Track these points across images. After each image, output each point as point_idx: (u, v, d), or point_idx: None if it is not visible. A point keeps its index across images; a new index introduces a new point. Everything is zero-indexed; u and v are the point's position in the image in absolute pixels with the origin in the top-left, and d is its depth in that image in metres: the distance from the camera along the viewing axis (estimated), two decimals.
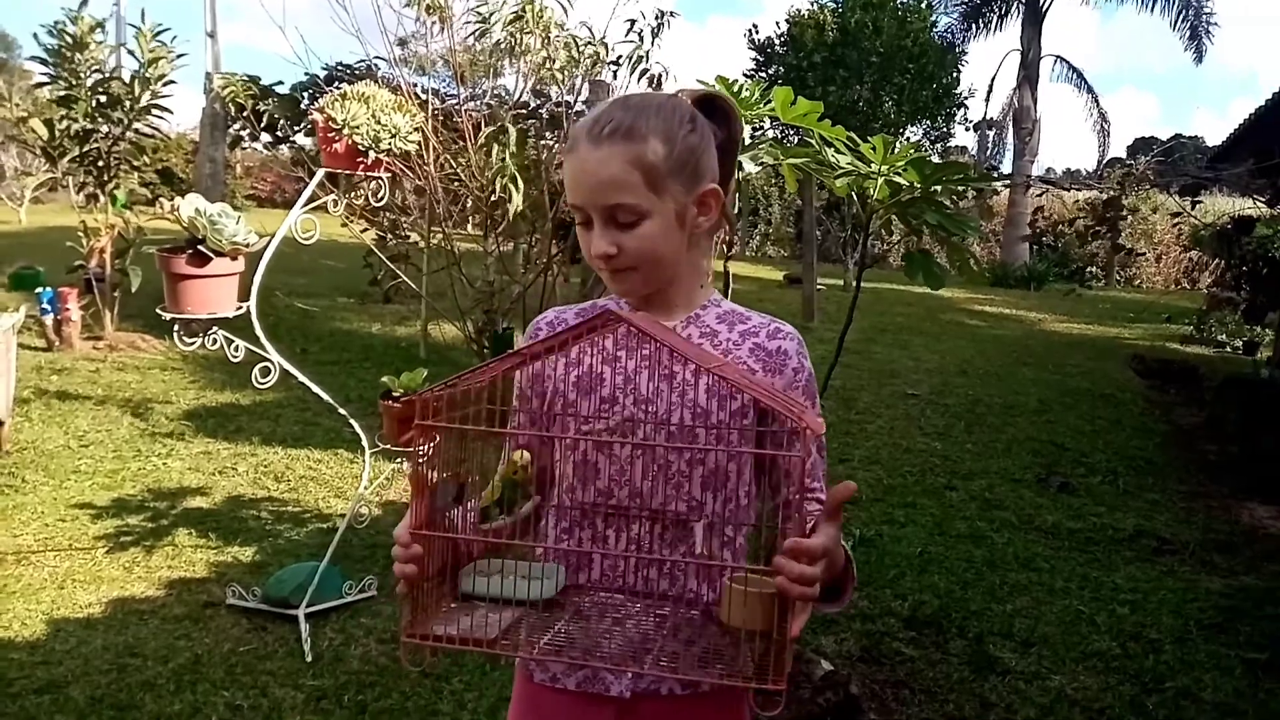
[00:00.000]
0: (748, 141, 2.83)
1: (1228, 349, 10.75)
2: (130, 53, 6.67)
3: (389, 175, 2.95)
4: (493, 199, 4.98)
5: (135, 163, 7.34)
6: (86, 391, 5.85)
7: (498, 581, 1.08)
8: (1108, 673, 3.14)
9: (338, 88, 2.96)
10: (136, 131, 6.94)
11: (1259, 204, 8.65)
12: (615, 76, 5.67)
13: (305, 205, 2.84)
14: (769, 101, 2.64)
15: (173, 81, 6.80)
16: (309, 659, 2.88)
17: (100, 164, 6.82)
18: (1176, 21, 19.73)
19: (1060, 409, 7.21)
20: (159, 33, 6.61)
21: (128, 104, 6.62)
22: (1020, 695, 2.96)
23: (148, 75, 6.64)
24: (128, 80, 6.66)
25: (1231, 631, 3.51)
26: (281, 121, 7.71)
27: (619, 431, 1.18)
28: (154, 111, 6.80)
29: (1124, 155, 27.13)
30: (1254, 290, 9.38)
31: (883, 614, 3.46)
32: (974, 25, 20.95)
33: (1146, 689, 3.05)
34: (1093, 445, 6.25)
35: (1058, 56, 21.76)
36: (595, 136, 1.14)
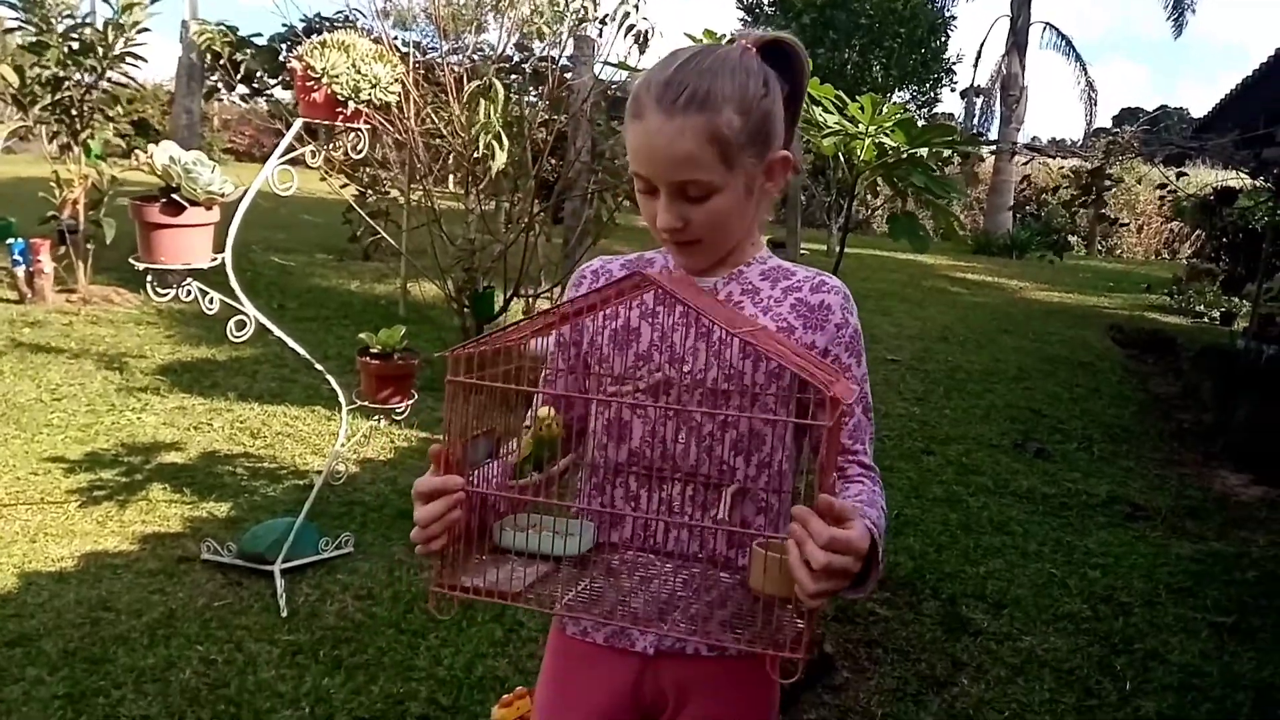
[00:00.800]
0: None
1: (1205, 319, 10.85)
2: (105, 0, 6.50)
3: (369, 128, 2.89)
4: (475, 156, 4.92)
5: (110, 112, 7.18)
6: (59, 345, 5.77)
7: (531, 536, 1.09)
8: (1078, 634, 3.19)
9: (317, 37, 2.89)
10: (110, 80, 6.79)
11: (1242, 175, 8.68)
12: (601, 33, 5.58)
13: (283, 156, 2.78)
14: None
15: (147, 29, 6.63)
16: (284, 614, 2.87)
17: (73, 113, 6.67)
18: None
19: (1039, 376, 7.26)
20: None
21: (101, 51, 6.46)
22: (991, 655, 3.00)
23: (121, 22, 6.47)
24: (101, 27, 6.49)
25: (1200, 595, 3.57)
26: (259, 73, 7.54)
27: (651, 391, 1.16)
28: (128, 60, 6.64)
29: (1110, 125, 27.14)
30: (1233, 261, 9.45)
31: None
32: None
33: (1115, 650, 3.09)
34: (1070, 412, 6.30)
35: (1047, 24, 21.65)
36: (668, 106, 1.06)
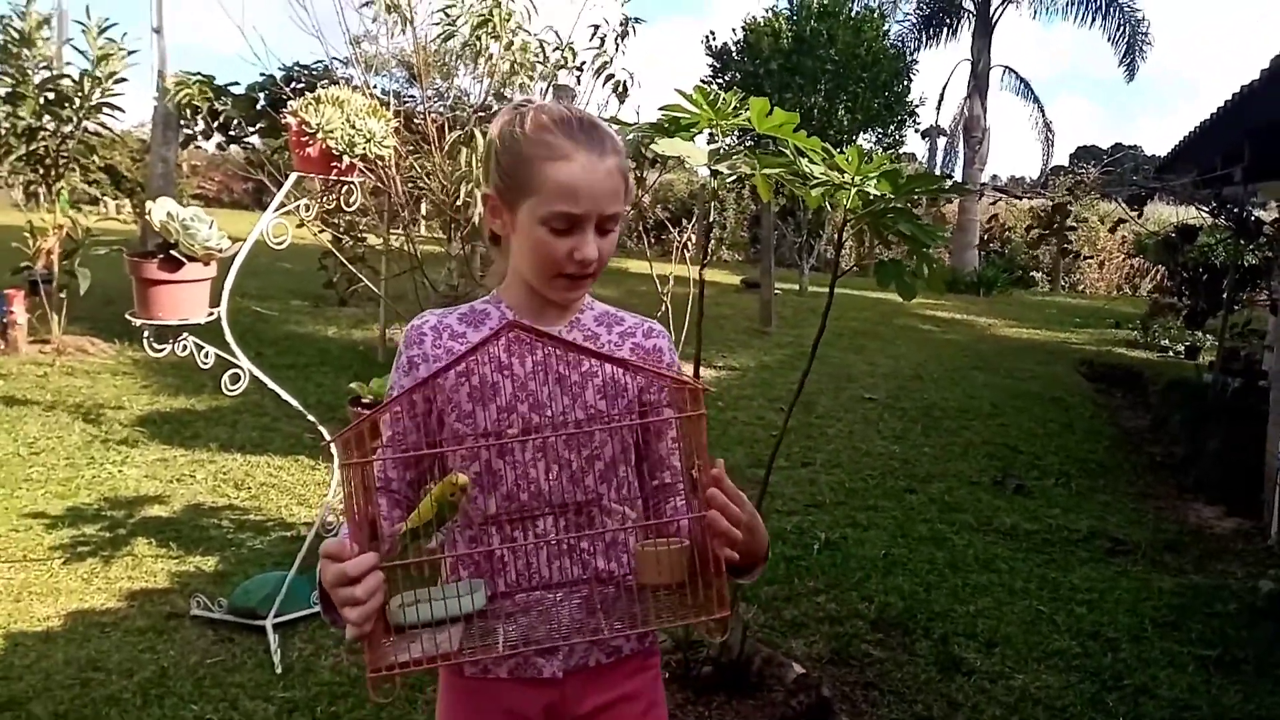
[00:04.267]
0: (720, 149, 2.86)
1: (1170, 353, 11.07)
2: (78, 50, 6.51)
3: (362, 181, 2.93)
4: (456, 203, 4.96)
5: (83, 161, 7.16)
6: (35, 397, 5.70)
7: (426, 608, 1.09)
8: (1069, 671, 3.22)
9: (298, 89, 2.93)
10: (85, 130, 6.78)
11: (1202, 213, 8.93)
12: (579, 81, 5.67)
13: (277, 210, 2.81)
14: (742, 111, 2.67)
15: (124, 79, 6.65)
16: (279, 670, 2.84)
17: (47, 162, 6.64)
18: (1115, 35, 20.29)
19: (1013, 412, 7.37)
20: (106, 28, 6.45)
21: (77, 101, 6.46)
22: (986, 695, 3.02)
23: (97, 73, 6.48)
24: (76, 77, 6.49)
25: (1184, 629, 3.62)
26: (236, 122, 7.57)
27: (521, 438, 1.24)
28: (105, 110, 6.64)
29: (1066, 163, 27.79)
30: (1195, 296, 9.67)
31: (850, 616, 3.51)
32: (925, 34, 21.33)
33: (1106, 687, 3.13)
34: (1045, 448, 6.40)
35: (1006, 67, 22.23)
36: (597, 146, 1.19)
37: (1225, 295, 7.84)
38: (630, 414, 1.27)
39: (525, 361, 1.22)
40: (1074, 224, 18.56)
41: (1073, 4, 20.13)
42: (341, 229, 7.99)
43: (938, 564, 4.11)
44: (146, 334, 2.50)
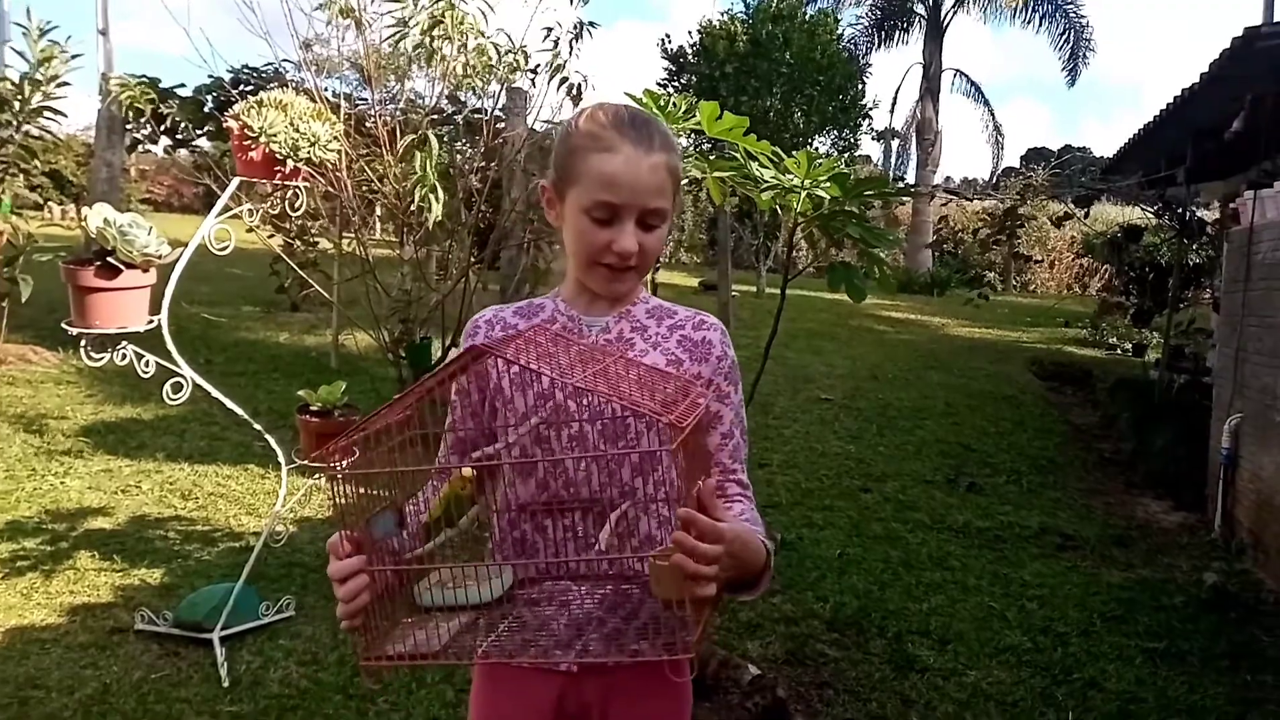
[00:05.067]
0: None
1: (1118, 351, 11.30)
2: (18, 52, 6.34)
3: (307, 185, 2.88)
4: (410, 207, 4.90)
5: (25, 165, 6.97)
6: None
7: (449, 592, 1.15)
8: (1019, 666, 3.27)
9: (245, 92, 2.87)
10: (27, 134, 6.60)
11: (1147, 213, 9.13)
12: (534, 84, 5.64)
13: (219, 214, 2.75)
14: (694, 114, 2.67)
15: (66, 83, 6.48)
16: (226, 684, 2.78)
17: None
18: (1059, 42, 20.71)
19: (966, 411, 7.47)
20: (47, 31, 6.29)
21: (17, 105, 6.29)
22: (939, 692, 3.05)
23: (39, 76, 6.31)
24: (17, 81, 6.32)
25: (1131, 622, 3.69)
26: (183, 125, 7.42)
27: (553, 426, 1.23)
28: (46, 114, 6.48)
29: (1018, 165, 28.27)
30: (1142, 295, 9.89)
31: (806, 616, 3.52)
32: (878, 37, 21.58)
33: (1056, 680, 3.18)
34: (997, 446, 6.49)
35: (957, 70, 22.58)
36: (645, 142, 1.23)
37: (1170, 294, 8.02)
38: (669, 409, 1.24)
39: (569, 350, 1.20)
40: (1023, 222, 18.87)
41: (1021, 9, 20.50)
42: (292, 234, 7.87)
43: (892, 562, 4.15)
44: (84, 343, 2.43)
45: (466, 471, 1.16)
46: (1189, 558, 4.51)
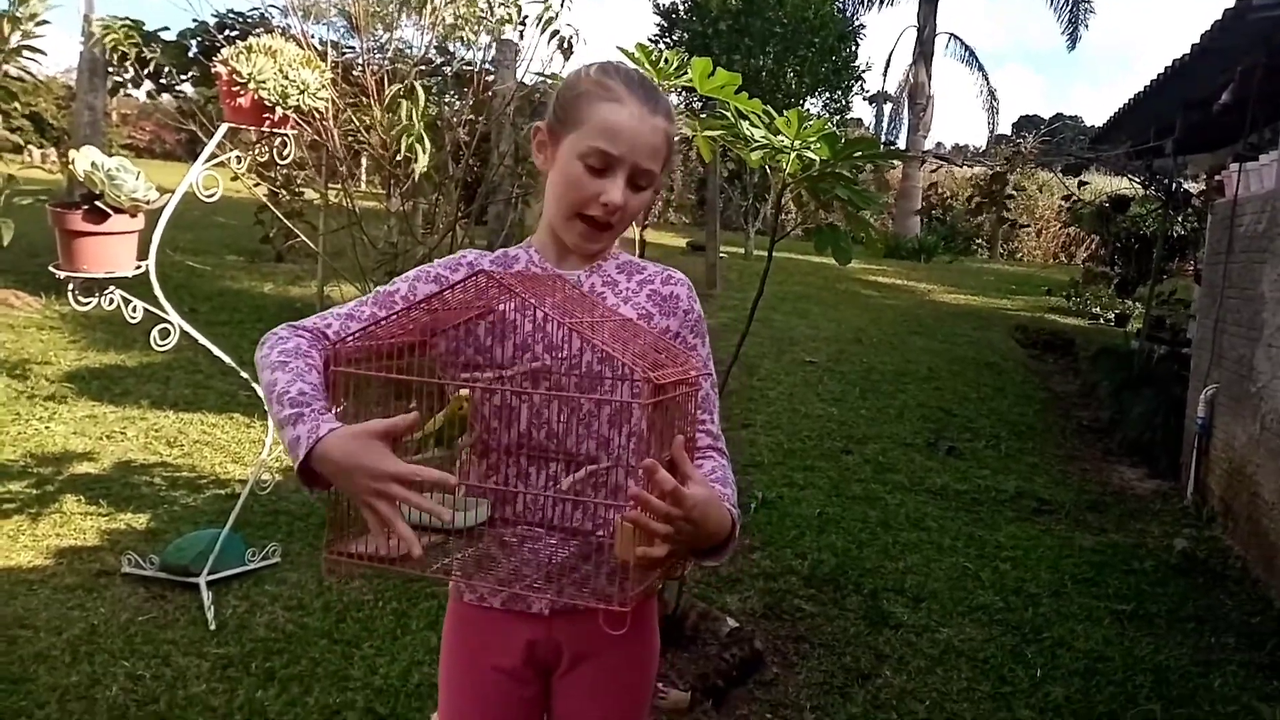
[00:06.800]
0: None
1: (1101, 320, 11.39)
2: None
3: (295, 133, 2.87)
4: (397, 158, 4.87)
5: (5, 107, 6.86)
6: None
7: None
8: (991, 625, 3.35)
9: (231, 37, 2.84)
10: (5, 75, 6.48)
11: (1134, 183, 9.16)
12: (523, 37, 5.58)
13: (207, 161, 2.74)
14: (686, 71, 2.66)
15: (46, 21, 6.35)
16: (213, 627, 2.82)
17: None
18: (1058, 4, 20.56)
19: (948, 376, 7.54)
20: None
21: None
22: (911, 647, 3.13)
23: (18, 14, 6.19)
24: None
25: (1102, 585, 3.78)
26: (167, 69, 7.30)
27: (531, 377, 1.25)
28: (25, 54, 6.36)
29: (1010, 132, 28.21)
30: (1126, 266, 9.95)
31: (784, 572, 3.59)
32: None
33: (1026, 639, 3.26)
34: (978, 411, 6.57)
35: (951, 34, 22.41)
36: (651, 103, 1.25)
37: (1154, 265, 8.08)
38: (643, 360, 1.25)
39: (544, 302, 1.21)
40: (1013, 192, 18.90)
41: None
42: (278, 183, 7.79)
43: (870, 522, 4.22)
44: (72, 287, 2.43)
45: (464, 393, 1.18)
46: (1160, 524, 4.60)
